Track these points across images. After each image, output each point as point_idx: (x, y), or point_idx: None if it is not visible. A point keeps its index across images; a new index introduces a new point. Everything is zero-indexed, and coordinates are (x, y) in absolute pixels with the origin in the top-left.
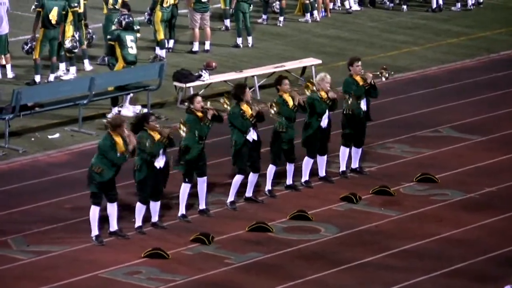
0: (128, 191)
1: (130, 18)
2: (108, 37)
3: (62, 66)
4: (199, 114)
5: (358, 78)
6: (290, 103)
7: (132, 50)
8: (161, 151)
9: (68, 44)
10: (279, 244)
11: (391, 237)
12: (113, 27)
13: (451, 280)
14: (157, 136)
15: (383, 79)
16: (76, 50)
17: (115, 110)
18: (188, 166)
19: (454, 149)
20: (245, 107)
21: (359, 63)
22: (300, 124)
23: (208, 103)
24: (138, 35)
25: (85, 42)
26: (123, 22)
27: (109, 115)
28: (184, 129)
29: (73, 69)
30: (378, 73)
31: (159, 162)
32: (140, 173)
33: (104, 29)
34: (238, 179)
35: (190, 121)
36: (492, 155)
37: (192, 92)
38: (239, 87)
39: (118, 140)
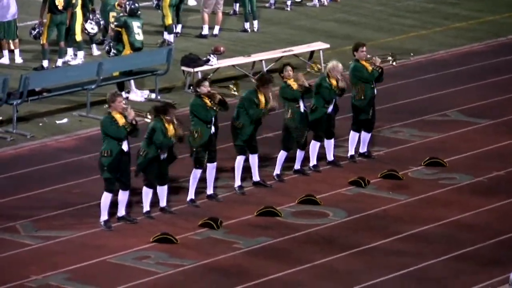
0: (137, 176)
1: (136, 4)
2: (115, 23)
3: (70, 51)
4: (206, 99)
5: (365, 63)
6: (294, 86)
7: (139, 36)
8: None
9: (89, 28)
10: (288, 229)
11: (400, 221)
12: (112, 14)
13: (460, 264)
14: (170, 131)
15: (393, 63)
16: (96, 31)
17: (123, 94)
18: (199, 151)
19: (463, 133)
20: (261, 97)
21: (364, 48)
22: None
23: (215, 90)
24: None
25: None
26: (128, 8)
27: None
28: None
29: (81, 54)
30: (387, 58)
31: (163, 155)
32: (144, 160)
33: (101, 13)
34: (239, 160)
35: (197, 105)
36: (501, 139)
37: (200, 77)
38: (265, 79)
39: (118, 116)
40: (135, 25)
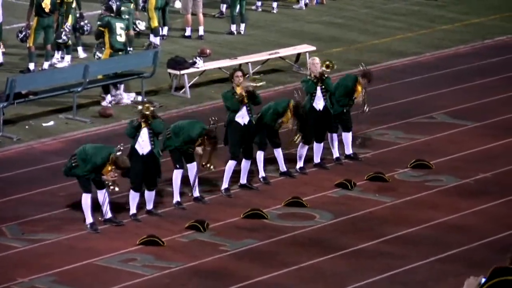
0: (124, 178)
1: (118, 3)
2: (98, 23)
3: (57, 54)
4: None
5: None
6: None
7: (121, 38)
8: (148, 138)
9: (63, 37)
10: (274, 231)
11: (386, 223)
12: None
13: (446, 266)
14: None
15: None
16: (66, 40)
17: (108, 98)
18: (175, 152)
19: (449, 135)
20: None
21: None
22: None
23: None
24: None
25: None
26: (113, 7)
27: (103, 103)
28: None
29: (68, 58)
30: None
31: (143, 149)
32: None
33: None
34: (231, 165)
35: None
36: (487, 141)
37: (186, 80)
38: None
39: (108, 168)
40: (118, 26)
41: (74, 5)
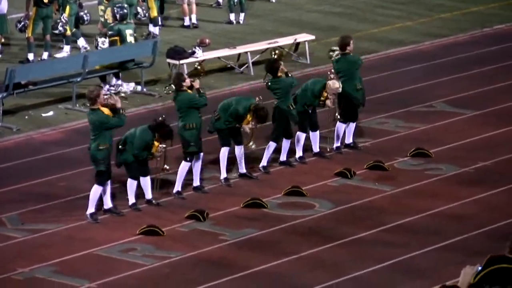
0: (122, 168)
1: (125, 10)
2: (109, 33)
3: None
4: (189, 90)
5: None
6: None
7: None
8: None
9: (60, 28)
10: (274, 220)
11: (386, 212)
12: (100, 7)
13: (446, 255)
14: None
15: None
16: (63, 31)
17: (106, 87)
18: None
19: (448, 124)
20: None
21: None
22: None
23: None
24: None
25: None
26: (118, 15)
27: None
28: None
29: (67, 48)
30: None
31: None
32: (126, 153)
33: None
34: (224, 152)
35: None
36: (486, 130)
37: (185, 69)
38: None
39: (104, 110)
40: (128, 32)
41: None
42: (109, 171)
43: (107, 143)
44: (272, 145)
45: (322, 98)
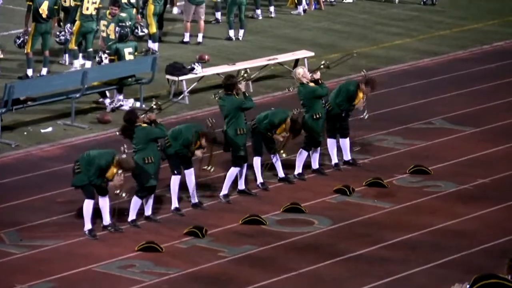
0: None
1: (126, 29)
2: (107, 51)
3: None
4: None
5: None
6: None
7: None
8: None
9: (61, 37)
10: (273, 237)
11: (385, 229)
12: (103, 22)
13: (445, 272)
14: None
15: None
16: (63, 41)
17: (107, 101)
18: (174, 157)
19: (447, 141)
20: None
21: (306, 71)
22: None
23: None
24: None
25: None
26: (117, 35)
27: (108, 109)
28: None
29: (77, 63)
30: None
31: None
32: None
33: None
34: (233, 171)
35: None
36: (485, 147)
37: (185, 85)
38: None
39: (113, 169)
40: (126, 51)
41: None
42: (100, 187)
43: (83, 169)
44: (256, 160)
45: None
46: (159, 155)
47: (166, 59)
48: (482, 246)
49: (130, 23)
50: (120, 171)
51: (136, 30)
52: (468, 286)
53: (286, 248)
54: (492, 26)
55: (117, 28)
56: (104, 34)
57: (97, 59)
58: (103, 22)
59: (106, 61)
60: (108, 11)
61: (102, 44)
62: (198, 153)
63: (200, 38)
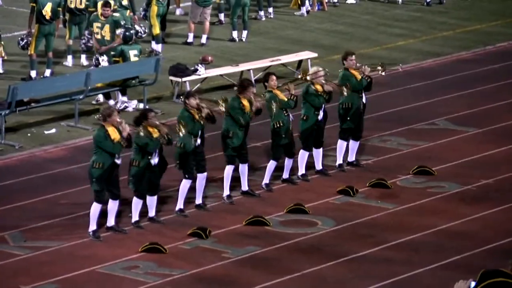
0: (125, 185)
1: (131, 31)
2: (112, 53)
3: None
4: (194, 111)
5: (354, 72)
6: (280, 95)
7: None
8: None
9: (82, 45)
10: (276, 238)
11: (388, 230)
12: (96, 24)
13: (449, 273)
14: (155, 134)
15: (382, 73)
16: (85, 48)
17: (111, 102)
18: (186, 162)
19: (451, 142)
20: (245, 101)
21: (353, 57)
22: (297, 117)
23: (204, 103)
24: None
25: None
26: (122, 36)
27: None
28: (183, 130)
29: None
30: (377, 67)
31: (154, 159)
32: (138, 169)
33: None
34: (228, 170)
35: (185, 117)
36: (489, 147)
37: (188, 87)
38: (245, 84)
39: (111, 130)
40: (132, 53)
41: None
42: (111, 191)
43: (102, 162)
44: (272, 163)
45: (320, 93)
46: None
47: (169, 60)
48: (486, 247)
49: (135, 26)
50: (112, 122)
51: (140, 34)
52: (473, 283)
53: (289, 249)
54: (495, 27)
55: (121, 29)
56: (99, 36)
57: (94, 62)
58: (96, 24)
59: (103, 63)
60: (100, 13)
61: (97, 46)
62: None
63: (204, 40)
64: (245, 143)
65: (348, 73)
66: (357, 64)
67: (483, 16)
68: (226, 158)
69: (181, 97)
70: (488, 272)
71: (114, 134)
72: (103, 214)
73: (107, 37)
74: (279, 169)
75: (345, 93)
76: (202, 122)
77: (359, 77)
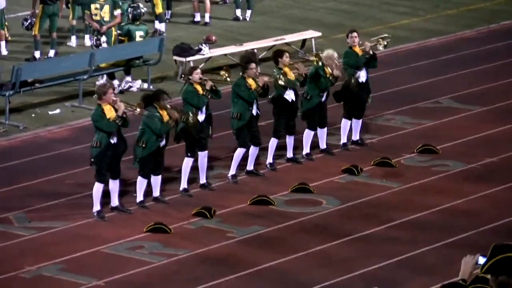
0: (129, 165)
1: (139, 10)
2: (118, 31)
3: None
4: (197, 85)
5: (357, 49)
6: (290, 74)
7: None
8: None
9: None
10: (281, 217)
11: (393, 209)
12: (95, 6)
13: (454, 251)
14: (166, 117)
15: (381, 48)
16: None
17: (115, 82)
18: (189, 139)
19: (455, 120)
20: (250, 80)
21: (354, 34)
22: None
23: (207, 77)
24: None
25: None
26: (130, 15)
27: (116, 90)
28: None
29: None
30: (376, 42)
31: (163, 142)
32: (144, 150)
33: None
34: (240, 152)
35: (189, 92)
36: (493, 126)
37: (192, 65)
38: (246, 60)
39: (107, 108)
40: (138, 34)
41: None
42: (112, 169)
43: (100, 141)
44: (273, 141)
45: (328, 75)
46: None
47: (173, 40)
48: (490, 225)
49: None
50: (108, 100)
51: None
52: (480, 257)
53: (294, 228)
54: (500, 5)
55: (129, 9)
56: (98, 17)
57: (95, 42)
58: (94, 6)
59: (104, 44)
60: None
61: (98, 27)
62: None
63: (207, 18)
64: (257, 125)
65: (350, 51)
66: (359, 41)
67: None
68: (239, 141)
69: (183, 75)
70: (499, 246)
71: (109, 113)
72: (108, 195)
73: (107, 18)
74: (283, 148)
75: (348, 75)
76: (206, 95)
77: (360, 53)
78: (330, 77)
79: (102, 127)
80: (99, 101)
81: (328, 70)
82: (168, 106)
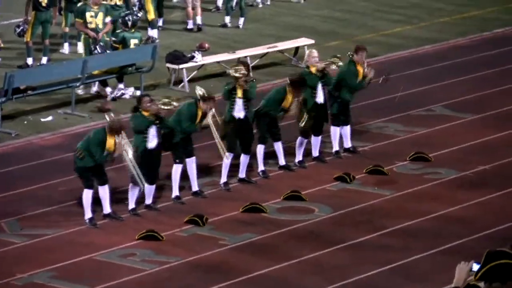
0: (122, 173)
1: (135, 16)
2: (113, 39)
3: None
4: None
5: (359, 69)
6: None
7: None
8: (154, 131)
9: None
10: (273, 225)
11: (386, 216)
12: (90, 14)
13: (447, 258)
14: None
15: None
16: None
17: (108, 89)
18: (176, 146)
19: (447, 128)
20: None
21: (364, 53)
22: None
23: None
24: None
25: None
26: (129, 22)
27: (108, 98)
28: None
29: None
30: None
31: (152, 143)
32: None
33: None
34: (259, 149)
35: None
36: (486, 133)
37: (185, 74)
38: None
39: (110, 140)
40: (133, 42)
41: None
42: (98, 177)
43: (85, 153)
44: (260, 147)
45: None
46: None
47: (166, 47)
48: (484, 232)
49: (140, 12)
50: (116, 136)
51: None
52: (474, 264)
53: (286, 236)
54: (492, 13)
55: (126, 16)
56: (93, 25)
57: (99, 50)
58: (89, 14)
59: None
60: (91, 1)
61: (94, 35)
62: (208, 119)
63: (199, 21)
64: (250, 133)
65: (354, 69)
66: (365, 61)
67: (480, 2)
68: (227, 147)
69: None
70: (493, 253)
71: (110, 145)
72: (99, 202)
73: (101, 26)
74: (276, 155)
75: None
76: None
77: (361, 75)
78: (317, 73)
79: (94, 152)
80: (108, 132)
81: (312, 68)
82: (151, 106)
